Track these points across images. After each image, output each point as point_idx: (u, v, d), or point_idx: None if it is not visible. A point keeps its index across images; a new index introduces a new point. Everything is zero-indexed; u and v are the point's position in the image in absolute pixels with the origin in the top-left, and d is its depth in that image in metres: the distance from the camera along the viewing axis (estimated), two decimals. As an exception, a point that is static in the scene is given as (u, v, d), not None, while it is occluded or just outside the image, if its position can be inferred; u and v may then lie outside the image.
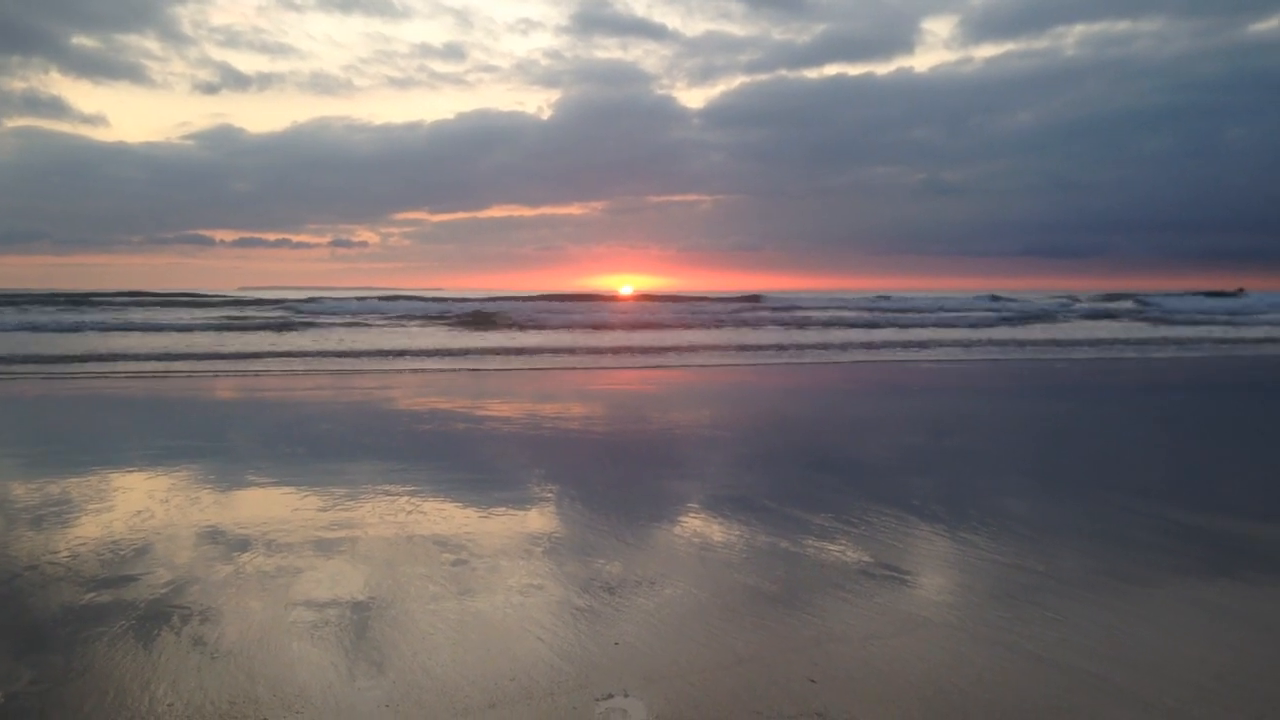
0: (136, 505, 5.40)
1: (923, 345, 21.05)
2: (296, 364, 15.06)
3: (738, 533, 4.88)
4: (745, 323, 31.20)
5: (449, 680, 3.08)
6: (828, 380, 13.47)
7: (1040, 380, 13.66)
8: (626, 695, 2.97)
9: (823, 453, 7.44)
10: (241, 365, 14.81)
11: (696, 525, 5.04)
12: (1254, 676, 3.13)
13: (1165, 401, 11.24)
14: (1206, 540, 4.80)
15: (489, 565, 4.32)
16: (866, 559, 4.41)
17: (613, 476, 6.40)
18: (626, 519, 5.16)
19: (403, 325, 28.27)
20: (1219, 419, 9.81)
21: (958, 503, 5.52)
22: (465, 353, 17.71)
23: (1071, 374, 14.54)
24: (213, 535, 4.79)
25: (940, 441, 7.97)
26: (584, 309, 35.24)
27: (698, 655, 3.29)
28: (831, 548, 4.60)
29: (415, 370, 14.37)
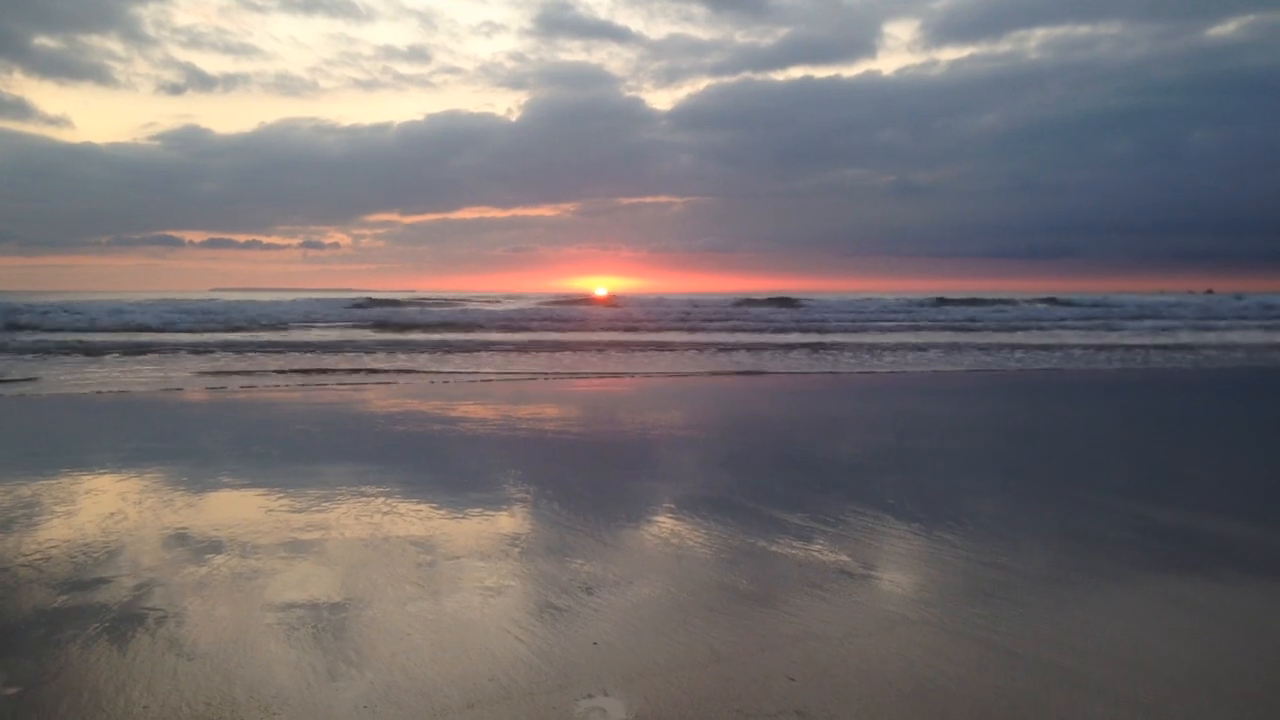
0: (110, 507, 5.34)
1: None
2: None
3: (716, 533, 4.89)
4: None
5: (427, 680, 3.06)
6: (812, 383, 13.54)
7: (1015, 382, 13.79)
8: (606, 694, 2.97)
9: (799, 454, 7.46)
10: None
11: (674, 526, 5.05)
12: (1229, 672, 3.17)
13: (1140, 402, 11.38)
14: (1181, 538, 4.86)
15: (467, 566, 4.30)
16: (844, 558, 4.44)
17: (592, 478, 6.39)
18: (604, 520, 5.16)
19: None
20: (1192, 419, 9.94)
21: (934, 502, 5.57)
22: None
23: (1041, 376, 14.69)
24: (189, 538, 4.74)
25: (916, 442, 8.02)
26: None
27: (677, 654, 3.29)
28: (809, 547, 4.62)
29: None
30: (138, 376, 13.39)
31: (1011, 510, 5.44)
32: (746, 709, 2.87)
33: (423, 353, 18.68)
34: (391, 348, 20.03)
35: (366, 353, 18.43)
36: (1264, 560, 4.47)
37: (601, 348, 20.64)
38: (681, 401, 11.01)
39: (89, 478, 6.18)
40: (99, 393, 11.21)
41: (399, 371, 14.49)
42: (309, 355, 17.71)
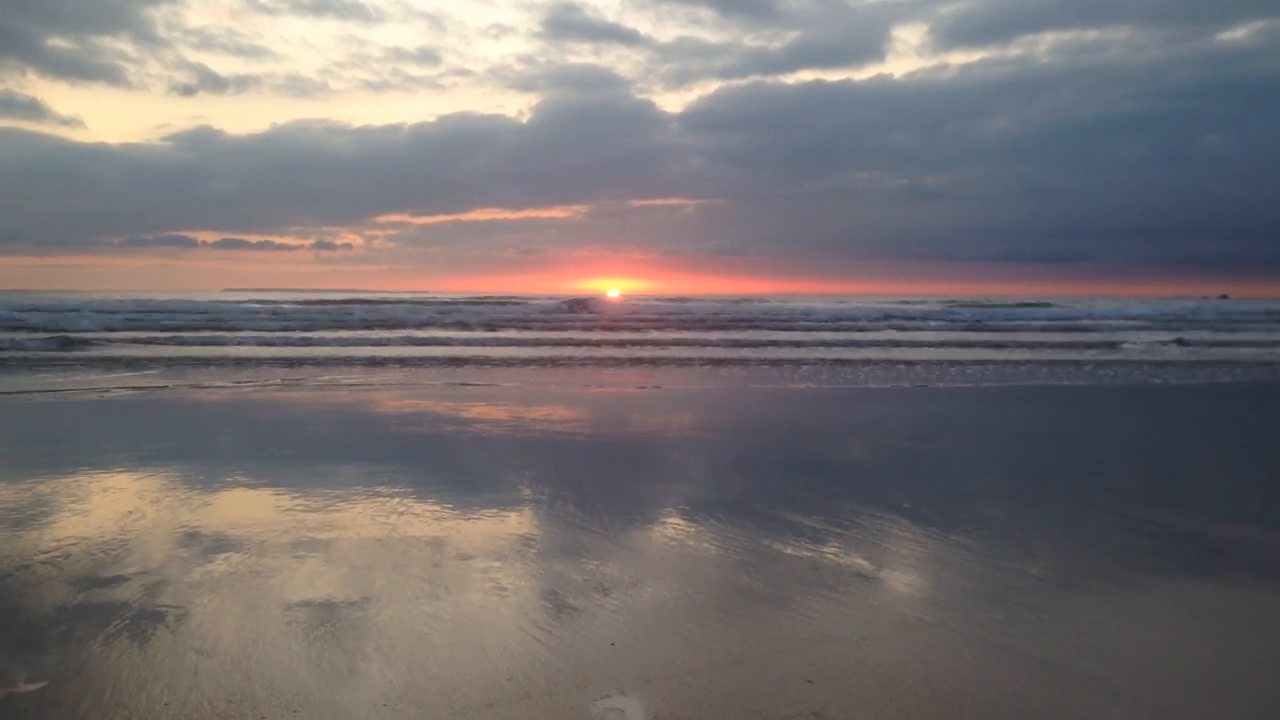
0: (128, 506, 5.38)
1: None
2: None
3: (732, 536, 4.89)
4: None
5: (447, 680, 3.08)
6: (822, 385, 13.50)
7: (1026, 387, 13.73)
8: (624, 695, 2.98)
9: (812, 458, 7.45)
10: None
11: (690, 529, 5.05)
12: (1244, 675, 3.16)
13: (1146, 409, 11.33)
14: (1194, 543, 4.84)
15: (483, 566, 4.31)
16: (860, 561, 4.44)
17: (607, 480, 6.40)
18: (620, 522, 5.17)
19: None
20: (1204, 426, 9.89)
21: (948, 506, 5.56)
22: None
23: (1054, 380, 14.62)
24: (206, 536, 4.77)
25: (931, 447, 8.00)
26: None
27: (694, 656, 3.30)
28: (825, 550, 4.62)
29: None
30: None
31: (1026, 515, 5.42)
32: (764, 710, 2.87)
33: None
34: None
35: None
36: (1278, 564, 4.45)
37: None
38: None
39: (107, 477, 6.22)
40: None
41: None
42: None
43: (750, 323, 32.58)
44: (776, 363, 17.26)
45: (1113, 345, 23.65)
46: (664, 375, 14.69)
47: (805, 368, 16.23)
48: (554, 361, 17.02)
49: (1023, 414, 10.58)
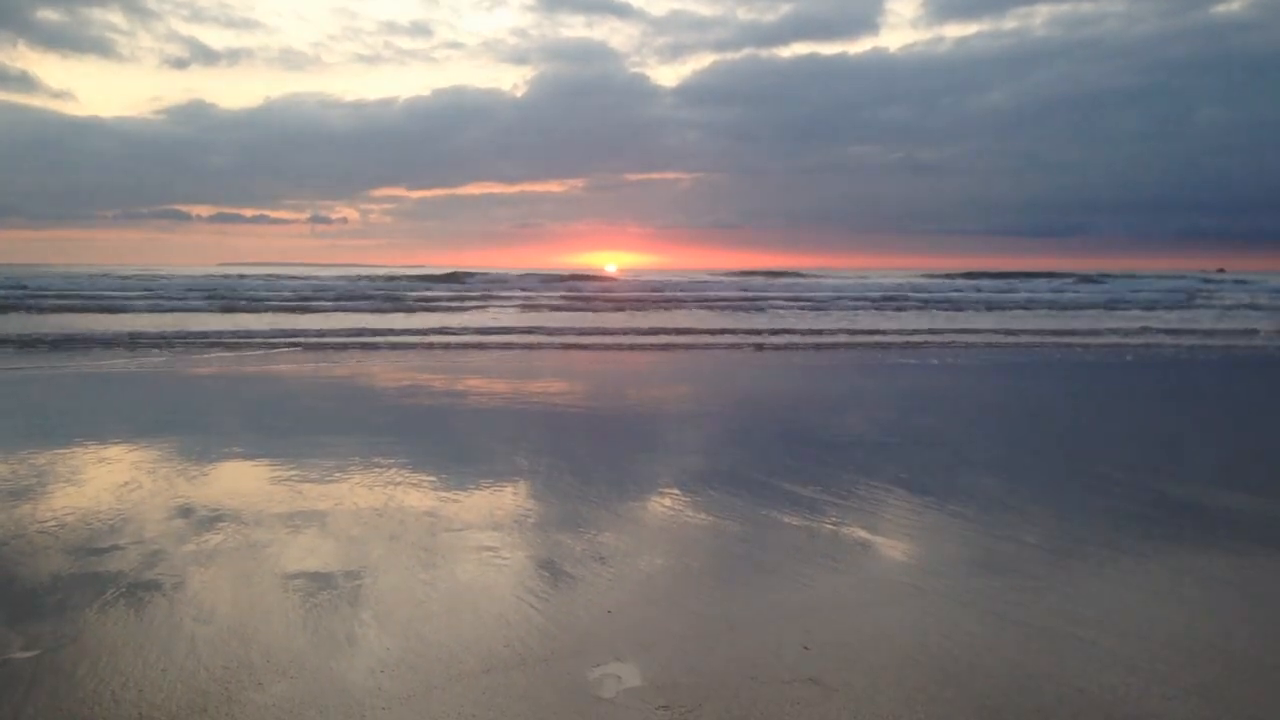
0: (124, 477, 5.36)
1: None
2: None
3: (728, 505, 4.89)
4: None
5: (444, 646, 3.08)
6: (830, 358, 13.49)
7: (1023, 360, 13.73)
8: (621, 661, 2.98)
9: (810, 429, 7.45)
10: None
11: (687, 498, 5.05)
12: (1240, 642, 3.16)
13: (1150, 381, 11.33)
14: (1193, 512, 4.85)
15: (480, 536, 4.31)
16: (857, 530, 4.44)
17: (605, 451, 6.40)
18: (617, 491, 5.17)
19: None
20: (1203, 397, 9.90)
21: (946, 476, 5.56)
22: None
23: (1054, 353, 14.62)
24: (203, 507, 4.75)
25: (929, 419, 8.00)
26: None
27: (691, 623, 3.30)
28: (822, 519, 4.62)
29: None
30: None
31: (1023, 484, 5.42)
32: (761, 676, 2.88)
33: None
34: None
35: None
36: (1274, 533, 4.45)
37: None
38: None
39: (103, 449, 6.20)
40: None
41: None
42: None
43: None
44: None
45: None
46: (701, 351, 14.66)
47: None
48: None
49: (1016, 384, 10.57)
